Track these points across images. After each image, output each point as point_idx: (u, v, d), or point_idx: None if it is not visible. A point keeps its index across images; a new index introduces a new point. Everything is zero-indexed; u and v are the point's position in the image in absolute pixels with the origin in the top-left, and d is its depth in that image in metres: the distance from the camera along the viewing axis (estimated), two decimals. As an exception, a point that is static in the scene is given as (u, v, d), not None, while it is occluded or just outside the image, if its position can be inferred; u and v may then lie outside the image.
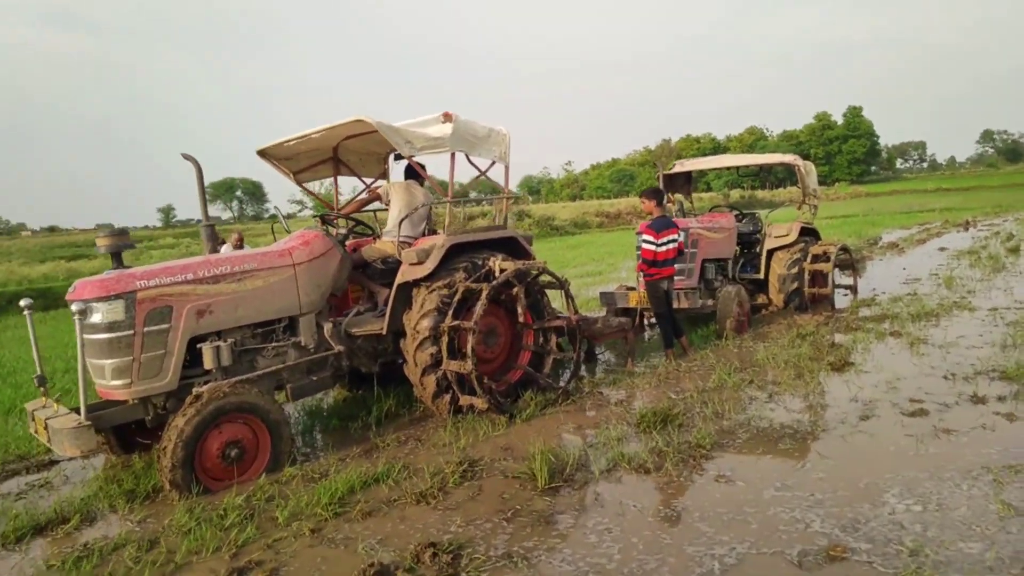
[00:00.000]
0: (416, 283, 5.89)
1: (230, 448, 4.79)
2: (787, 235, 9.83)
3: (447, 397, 5.76)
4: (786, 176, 53.84)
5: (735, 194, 55.84)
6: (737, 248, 10.40)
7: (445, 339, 5.61)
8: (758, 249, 10.17)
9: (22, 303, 5.29)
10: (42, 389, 5.07)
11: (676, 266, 8.32)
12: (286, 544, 3.83)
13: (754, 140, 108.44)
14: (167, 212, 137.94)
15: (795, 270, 9.64)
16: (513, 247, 6.43)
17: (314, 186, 8.03)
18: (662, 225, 7.38)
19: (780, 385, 6.12)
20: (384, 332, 5.91)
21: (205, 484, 4.69)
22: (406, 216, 6.32)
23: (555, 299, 6.69)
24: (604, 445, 4.96)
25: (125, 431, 5.46)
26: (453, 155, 5.98)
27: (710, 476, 4.33)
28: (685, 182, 11.02)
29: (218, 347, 5.11)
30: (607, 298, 8.81)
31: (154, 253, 31.29)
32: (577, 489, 4.28)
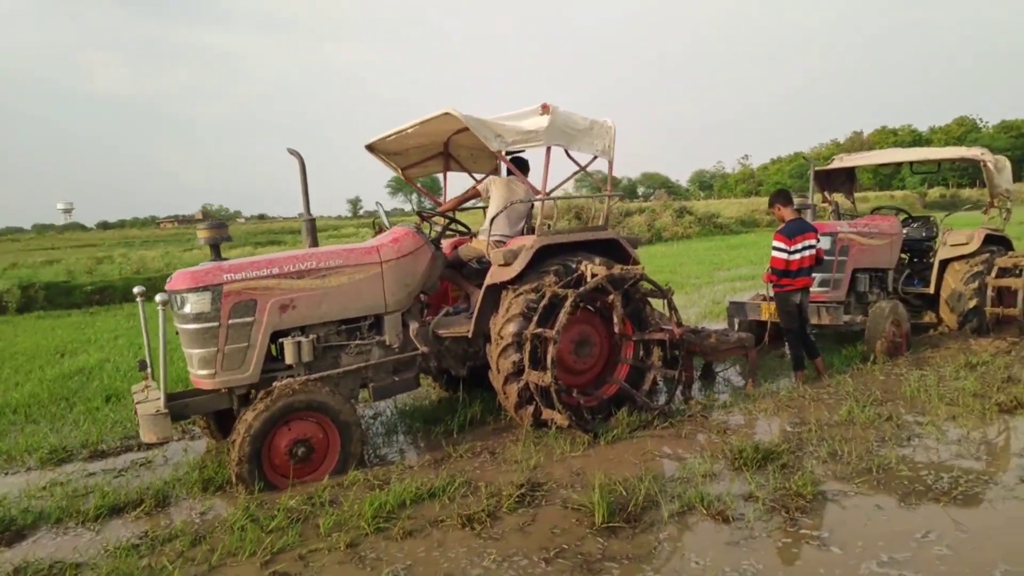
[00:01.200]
0: (504, 285, 5.59)
1: (298, 446, 4.76)
2: (967, 243, 8.39)
3: (530, 408, 5.40)
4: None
5: (934, 193, 50.05)
6: (904, 256, 9.07)
7: (528, 347, 5.26)
8: (930, 259, 8.79)
9: (135, 291, 5.65)
10: (143, 373, 5.37)
11: (816, 276, 7.38)
12: (318, 557, 3.69)
13: (964, 132, 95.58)
14: (355, 203, 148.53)
15: (975, 285, 8.20)
16: (614, 250, 5.92)
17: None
18: (796, 229, 6.49)
19: (925, 426, 5.12)
20: (470, 335, 5.66)
21: (272, 480, 4.70)
22: (497, 213, 6.02)
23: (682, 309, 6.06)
24: (687, 481, 4.37)
25: (227, 417, 5.65)
26: (549, 149, 5.59)
27: (800, 535, 3.63)
28: (846, 180, 9.77)
29: (299, 342, 5.12)
30: (736, 309, 7.98)
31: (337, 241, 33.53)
32: (638, 532, 3.76)
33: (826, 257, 7.57)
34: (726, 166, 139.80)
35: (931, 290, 8.50)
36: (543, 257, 5.65)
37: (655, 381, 5.87)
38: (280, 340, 5.14)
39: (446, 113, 5.27)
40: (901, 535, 3.57)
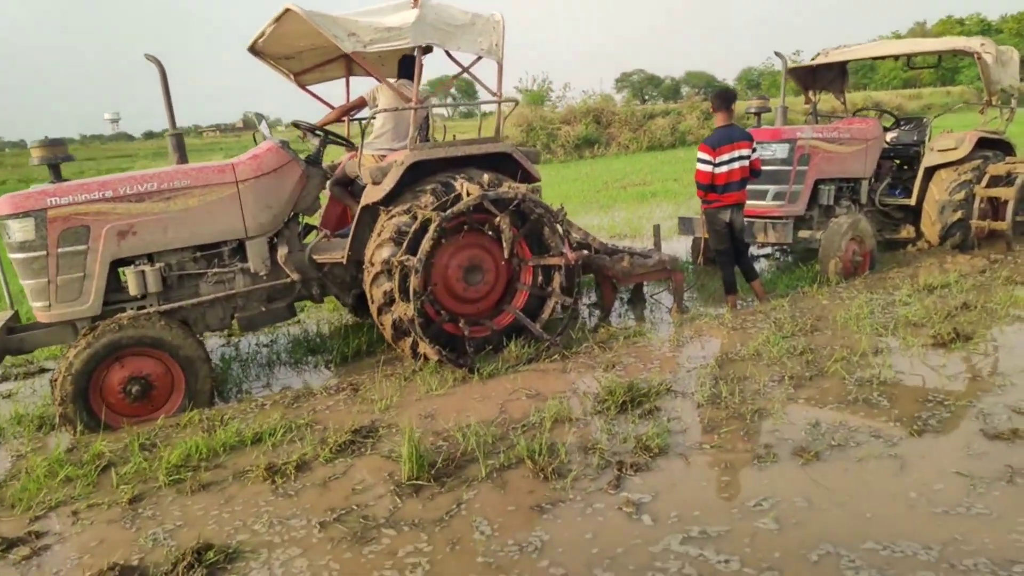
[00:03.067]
0: (378, 207, 5.02)
1: (132, 384, 4.42)
2: (955, 148, 7.42)
3: (408, 340, 4.93)
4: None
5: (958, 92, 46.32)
6: (892, 164, 8.14)
7: (398, 275, 4.73)
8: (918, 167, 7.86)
9: None
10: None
11: (770, 188, 6.63)
12: (92, 513, 3.36)
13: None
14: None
15: (960, 195, 7.31)
16: (508, 165, 5.25)
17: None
18: (723, 138, 5.69)
19: (834, 363, 4.50)
20: (345, 261, 5.16)
21: (110, 420, 4.39)
22: (372, 122, 5.38)
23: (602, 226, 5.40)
24: (533, 428, 3.89)
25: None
26: (420, 50, 4.87)
27: (616, 499, 3.14)
28: (836, 77, 8.69)
29: (143, 271, 4.71)
30: (685, 224, 7.29)
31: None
32: (442, 492, 3.32)
33: (782, 167, 6.77)
34: (776, 63, 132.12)
35: (912, 201, 7.61)
36: (427, 173, 5.05)
37: (555, 310, 5.32)
38: (120, 269, 4.73)
39: (287, 10, 4.57)
40: (728, 504, 3.05)
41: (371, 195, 4.97)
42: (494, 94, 5.24)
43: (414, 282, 4.59)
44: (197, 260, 4.99)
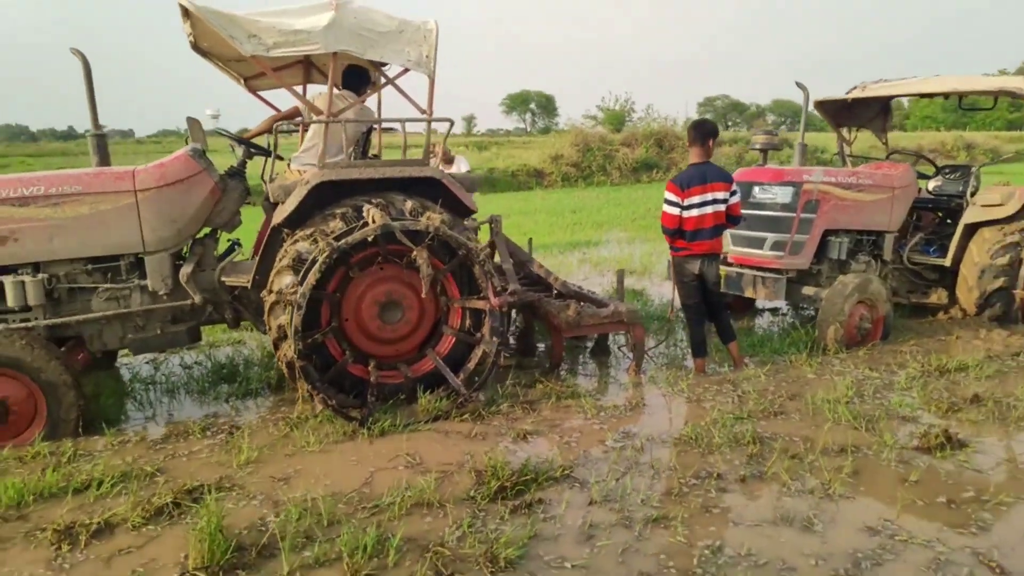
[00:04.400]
0: (284, 229, 4.52)
1: (-18, 406, 4.02)
2: (1001, 204, 6.40)
3: (303, 382, 4.38)
4: None
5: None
6: (934, 217, 7.16)
7: (292, 308, 4.19)
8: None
9: None
10: None
11: (768, 235, 5.82)
12: None
13: None
14: (469, 121, 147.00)
15: (1004, 260, 6.28)
16: (437, 191, 4.63)
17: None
18: (693, 178, 4.93)
19: (783, 460, 3.69)
20: (249, 285, 4.66)
21: (-37, 442, 4.01)
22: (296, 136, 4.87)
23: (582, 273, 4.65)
24: (382, 512, 3.25)
25: None
26: (335, 57, 4.33)
27: (413, 635, 2.47)
28: (878, 114, 7.73)
29: (22, 282, 4.33)
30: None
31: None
32: (225, 590, 2.73)
33: (783, 214, 5.93)
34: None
35: (948, 262, 6.60)
36: (351, 194, 4.52)
37: (484, 360, 4.66)
38: (-1, 278, 4.35)
39: (182, 6, 4.11)
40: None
41: (277, 216, 4.46)
42: (423, 111, 4.65)
43: (295, 319, 4.04)
44: (90, 273, 4.58)
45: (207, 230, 4.99)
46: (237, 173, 5.01)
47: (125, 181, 4.48)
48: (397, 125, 4.71)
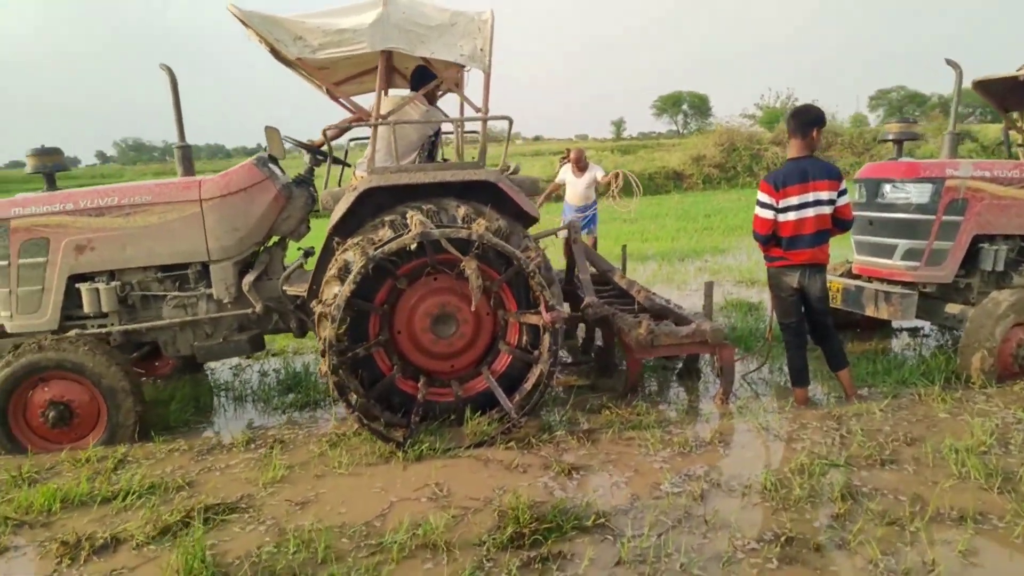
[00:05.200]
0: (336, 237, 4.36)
1: (50, 409, 4.19)
2: None
3: (351, 395, 4.19)
4: None
5: None
6: None
7: (328, 320, 4.02)
8: None
9: None
10: None
11: (901, 242, 4.95)
12: None
13: None
14: (619, 125, 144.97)
15: None
16: (494, 195, 4.26)
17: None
18: (791, 175, 4.20)
19: (876, 526, 2.96)
20: (306, 295, 4.56)
21: (29, 442, 4.21)
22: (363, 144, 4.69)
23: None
24: (378, 553, 2.94)
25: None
26: (386, 56, 4.10)
27: None
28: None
29: (96, 289, 4.50)
30: None
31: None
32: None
33: (920, 216, 4.99)
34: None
35: None
36: (402, 201, 4.28)
37: (542, 381, 4.24)
38: (76, 285, 4.55)
39: (230, 7, 4.04)
40: None
41: (330, 223, 4.31)
42: (478, 110, 4.31)
43: (329, 332, 3.84)
44: (161, 281, 4.68)
45: (276, 239, 4.98)
46: (304, 181, 4.95)
47: (191, 191, 4.53)
48: (472, 125, 4.40)
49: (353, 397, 3.97)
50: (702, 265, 9.70)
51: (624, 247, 6.54)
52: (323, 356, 4.07)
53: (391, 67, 5.70)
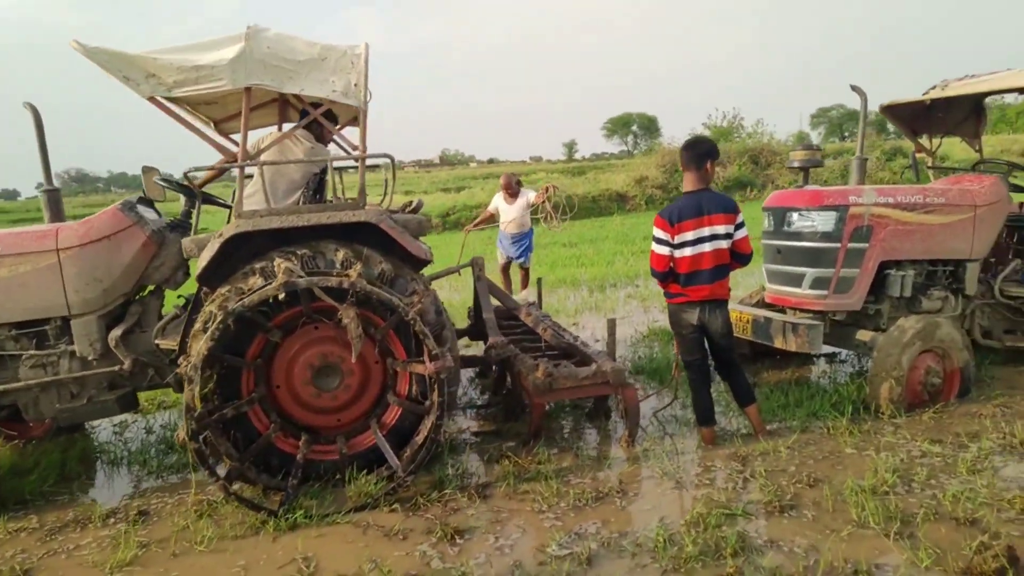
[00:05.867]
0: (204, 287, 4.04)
1: None
2: None
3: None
4: None
5: None
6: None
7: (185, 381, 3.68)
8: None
9: None
10: None
11: (808, 270, 4.84)
12: None
13: None
14: (570, 147, 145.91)
15: None
16: (376, 237, 3.99)
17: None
18: (684, 210, 4.05)
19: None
20: (177, 350, 4.21)
21: None
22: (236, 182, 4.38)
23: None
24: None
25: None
26: (248, 93, 3.83)
27: None
28: (968, 117, 6.46)
29: (-60, 351, 4.08)
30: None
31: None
32: None
33: (825, 244, 4.89)
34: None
35: (1053, 296, 5.27)
36: (278, 245, 3.98)
37: (432, 435, 3.94)
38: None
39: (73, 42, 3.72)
40: None
41: (197, 272, 3.99)
42: (354, 148, 4.07)
43: (186, 394, 3.51)
44: (16, 339, 4.27)
45: (151, 288, 4.63)
46: (179, 225, 4.62)
47: (47, 240, 4.16)
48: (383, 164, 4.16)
49: (220, 464, 3.63)
50: (632, 291, 9.57)
51: (540, 280, 6.34)
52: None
53: (286, 103, 5.44)
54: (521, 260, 8.83)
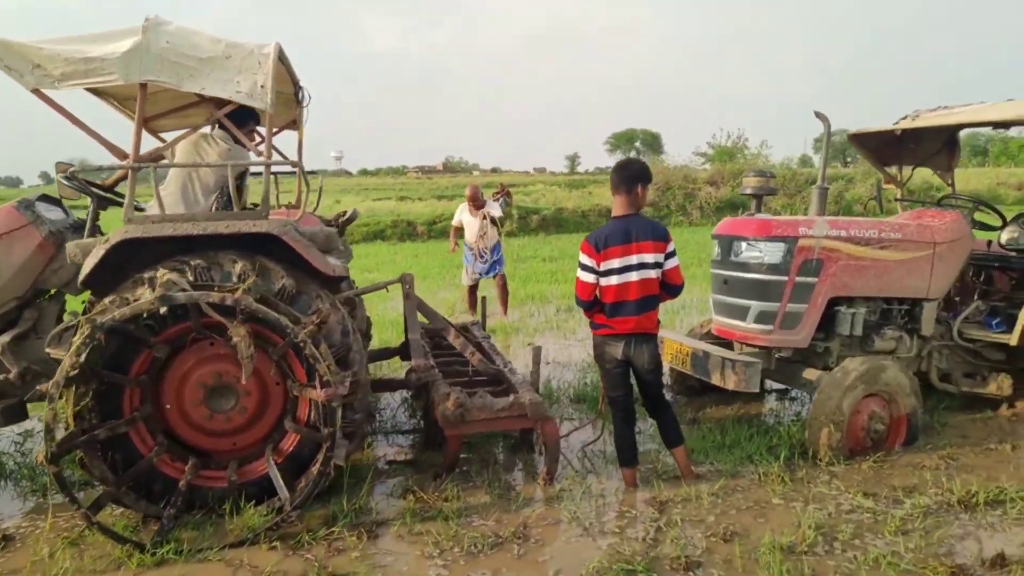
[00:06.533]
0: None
1: None
2: (1088, 266, 4.79)
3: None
4: None
5: None
6: (1009, 279, 5.62)
7: (69, 392, 3.41)
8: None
9: None
10: None
11: (753, 303, 4.59)
12: None
13: None
14: (573, 160, 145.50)
15: (1092, 340, 4.65)
16: (286, 250, 3.72)
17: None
18: (611, 236, 3.79)
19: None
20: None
21: None
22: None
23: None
24: None
25: None
26: (143, 89, 3.57)
27: None
28: (942, 149, 6.21)
29: None
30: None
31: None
32: None
33: (771, 276, 4.63)
34: None
35: (1013, 339, 5.00)
36: (177, 253, 3.71)
37: (322, 467, 3.64)
38: None
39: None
40: None
41: (80, 279, 3.72)
42: (259, 153, 3.82)
43: (46, 413, 3.23)
44: (-101, 344, 4.00)
45: (52, 292, 4.36)
46: (82, 226, 4.35)
47: (-69, 239, 3.90)
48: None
49: (87, 489, 3.35)
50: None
51: (483, 299, 6.07)
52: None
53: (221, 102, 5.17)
54: (492, 273, 8.53)
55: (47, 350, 4.06)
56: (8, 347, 4.01)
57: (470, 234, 8.51)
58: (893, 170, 6.31)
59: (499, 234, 8.59)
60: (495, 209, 8.55)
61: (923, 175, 9.34)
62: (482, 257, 8.43)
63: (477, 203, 8.49)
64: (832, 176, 31.19)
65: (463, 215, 8.66)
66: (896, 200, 6.29)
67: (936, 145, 6.12)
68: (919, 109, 6.03)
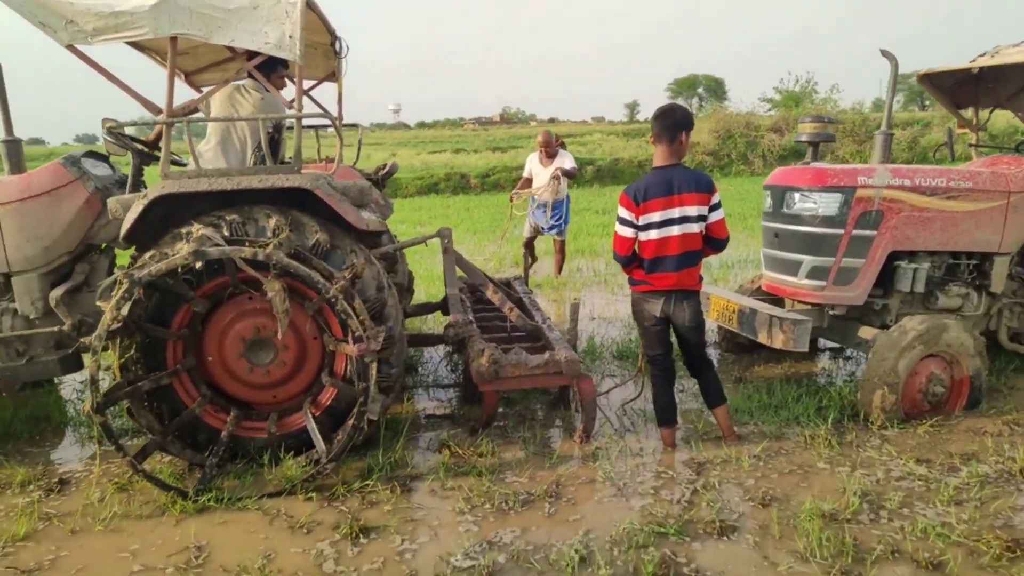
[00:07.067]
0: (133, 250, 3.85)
1: None
2: None
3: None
4: None
5: None
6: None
7: (114, 344, 3.52)
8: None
9: None
10: None
11: (805, 258, 4.39)
12: None
13: None
14: (632, 107, 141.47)
15: None
16: (321, 204, 3.69)
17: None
18: (652, 188, 3.61)
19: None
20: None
21: None
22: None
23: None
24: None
25: None
26: (173, 43, 3.54)
27: None
28: (1013, 93, 5.74)
29: None
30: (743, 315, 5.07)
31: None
32: None
33: (826, 229, 4.38)
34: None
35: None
36: (215, 207, 3.74)
37: (356, 422, 3.66)
38: None
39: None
40: None
41: (121, 234, 3.78)
42: (290, 106, 3.76)
43: (91, 365, 3.32)
44: (-43, 294, 4.18)
45: (103, 246, 4.47)
46: (125, 182, 4.41)
47: (-19, 195, 4.02)
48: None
49: (138, 437, 3.47)
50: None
51: (526, 254, 5.97)
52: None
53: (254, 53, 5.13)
54: (554, 231, 8.06)
55: (97, 303, 4.18)
56: (62, 299, 4.13)
57: (538, 185, 7.92)
58: (969, 113, 5.86)
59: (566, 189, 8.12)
60: (568, 160, 7.90)
61: (1005, 118, 8.67)
62: (552, 211, 7.92)
63: (549, 150, 7.89)
64: (907, 121, 29.55)
65: (533, 164, 8.05)
66: (971, 146, 5.86)
67: (1019, 84, 5.64)
68: (1000, 45, 5.55)
